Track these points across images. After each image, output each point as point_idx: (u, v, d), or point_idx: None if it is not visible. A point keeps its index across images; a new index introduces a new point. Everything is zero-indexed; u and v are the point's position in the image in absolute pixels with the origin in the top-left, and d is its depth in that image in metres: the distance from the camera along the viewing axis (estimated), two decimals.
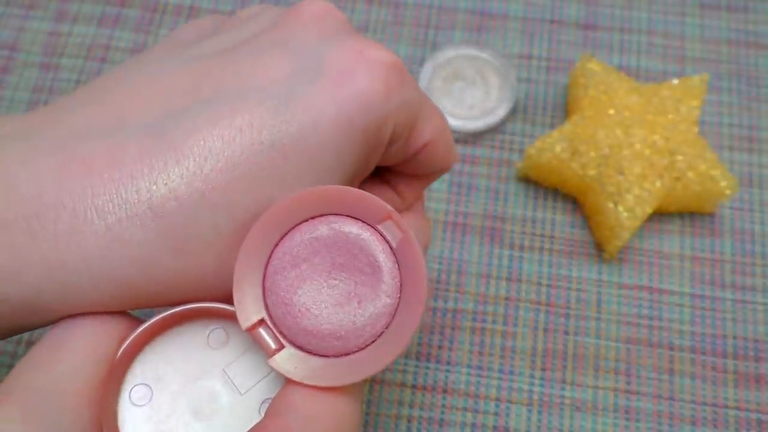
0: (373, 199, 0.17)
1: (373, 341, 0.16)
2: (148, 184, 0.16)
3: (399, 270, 0.16)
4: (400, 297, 0.16)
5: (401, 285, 0.16)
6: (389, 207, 0.17)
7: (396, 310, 0.16)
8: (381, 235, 0.17)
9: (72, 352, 0.16)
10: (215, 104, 0.17)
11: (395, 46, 0.39)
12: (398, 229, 0.17)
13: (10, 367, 0.32)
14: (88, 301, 0.16)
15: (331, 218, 0.17)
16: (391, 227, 0.17)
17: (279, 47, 0.18)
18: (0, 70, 0.39)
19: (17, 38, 0.40)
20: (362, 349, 0.16)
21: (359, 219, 0.17)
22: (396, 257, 0.17)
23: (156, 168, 0.16)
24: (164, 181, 0.16)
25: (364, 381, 0.17)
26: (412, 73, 0.39)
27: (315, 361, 0.16)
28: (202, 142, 0.16)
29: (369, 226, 0.17)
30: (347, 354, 0.16)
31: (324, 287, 0.16)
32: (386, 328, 0.16)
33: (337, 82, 0.17)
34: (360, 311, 0.16)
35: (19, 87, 0.38)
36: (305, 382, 0.16)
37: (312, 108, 0.17)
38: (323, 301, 0.16)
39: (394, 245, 0.16)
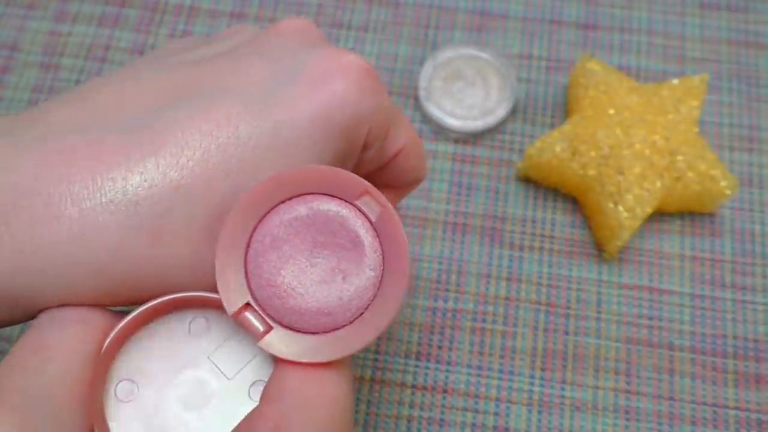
0: (349, 176, 0.17)
1: (361, 314, 0.16)
2: (123, 172, 0.16)
3: (380, 243, 0.17)
4: (383, 269, 0.16)
5: (384, 257, 0.17)
6: (366, 182, 0.17)
7: (380, 281, 0.16)
8: (360, 210, 0.17)
9: (58, 353, 0.15)
10: (195, 101, 0.17)
11: (395, 46, 0.39)
12: (376, 203, 0.17)
13: None
14: (61, 290, 0.16)
15: (309, 197, 0.17)
16: (369, 202, 0.17)
17: (258, 56, 0.19)
18: (0, 70, 0.39)
19: (17, 38, 0.40)
20: (351, 322, 0.16)
21: (337, 196, 0.17)
22: (376, 231, 0.17)
23: (132, 158, 0.16)
24: (140, 170, 0.16)
25: (351, 361, 0.17)
26: (412, 73, 0.39)
27: (306, 340, 0.16)
28: (179, 134, 0.17)
29: (347, 203, 0.17)
30: (337, 329, 0.16)
31: (307, 266, 0.16)
32: (372, 300, 0.16)
33: (314, 83, 0.18)
34: (345, 286, 0.16)
35: (19, 87, 0.38)
36: (299, 360, 0.16)
37: (289, 105, 0.18)
38: (308, 280, 0.16)
39: (373, 219, 0.17)
